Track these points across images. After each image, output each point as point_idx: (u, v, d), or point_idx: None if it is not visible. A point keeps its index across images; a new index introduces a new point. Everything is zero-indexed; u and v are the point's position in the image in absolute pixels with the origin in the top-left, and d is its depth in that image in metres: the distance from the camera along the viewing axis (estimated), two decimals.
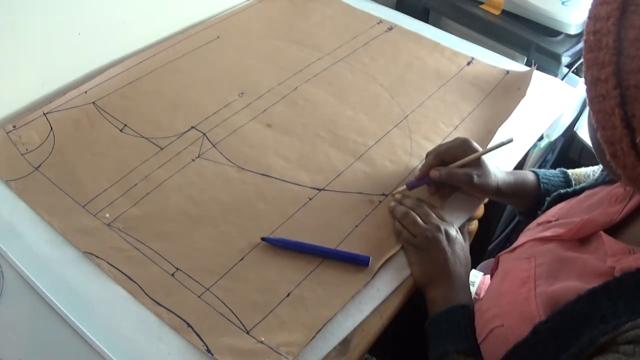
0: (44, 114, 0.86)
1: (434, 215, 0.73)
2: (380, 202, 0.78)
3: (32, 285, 0.65)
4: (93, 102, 0.89)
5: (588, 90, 0.42)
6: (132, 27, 0.98)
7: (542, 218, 0.65)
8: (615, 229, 0.55)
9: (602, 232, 0.54)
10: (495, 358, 0.54)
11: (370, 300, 0.67)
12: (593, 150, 0.50)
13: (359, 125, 0.89)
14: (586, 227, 0.57)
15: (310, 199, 0.78)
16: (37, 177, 0.78)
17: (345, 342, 0.63)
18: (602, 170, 0.68)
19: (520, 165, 0.93)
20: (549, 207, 0.68)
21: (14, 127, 0.83)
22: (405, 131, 0.89)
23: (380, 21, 1.13)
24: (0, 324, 0.62)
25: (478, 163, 0.73)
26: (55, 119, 0.85)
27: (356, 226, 0.74)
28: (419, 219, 0.72)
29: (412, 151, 0.85)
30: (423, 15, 1.27)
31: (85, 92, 0.90)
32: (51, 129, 0.84)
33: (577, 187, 0.67)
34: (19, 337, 0.61)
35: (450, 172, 0.73)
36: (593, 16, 0.42)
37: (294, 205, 0.76)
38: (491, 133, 0.86)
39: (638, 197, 0.55)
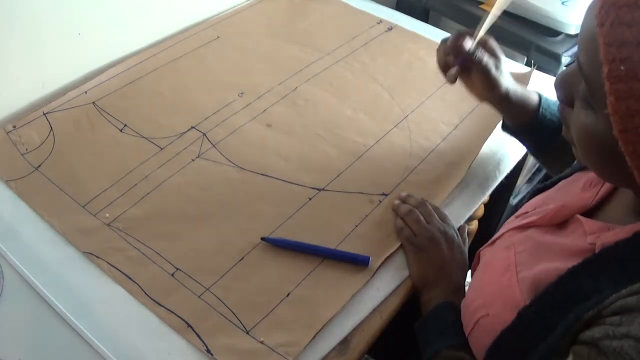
0: (44, 114, 0.86)
1: (436, 215, 0.73)
2: (380, 202, 0.78)
3: (32, 285, 0.65)
4: (93, 102, 0.89)
5: (620, 122, 0.39)
6: (132, 27, 0.98)
7: (520, 211, 0.65)
8: (590, 213, 0.55)
9: (578, 215, 0.55)
10: (483, 348, 0.54)
11: (370, 300, 0.67)
12: (593, 167, 0.49)
13: (359, 125, 0.89)
14: (561, 213, 0.57)
15: (310, 199, 0.78)
16: (37, 177, 0.78)
17: (345, 342, 0.63)
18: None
19: (520, 165, 0.93)
20: (527, 202, 0.68)
21: (14, 127, 0.83)
22: (405, 131, 0.89)
23: (380, 21, 1.13)
24: (0, 324, 0.62)
25: (499, 62, 0.72)
26: (55, 119, 0.85)
27: (356, 226, 0.74)
28: (422, 217, 0.72)
29: (412, 151, 0.85)
30: (423, 15, 1.27)
31: (85, 92, 0.90)
32: (51, 129, 0.84)
33: (554, 178, 0.66)
34: (19, 337, 0.61)
35: (481, 45, 0.70)
36: (615, 41, 0.38)
37: (294, 205, 0.76)
38: (490, 129, 0.87)
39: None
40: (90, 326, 0.62)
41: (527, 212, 0.63)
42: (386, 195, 0.79)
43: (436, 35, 1.09)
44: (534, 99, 0.75)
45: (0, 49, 0.80)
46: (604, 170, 0.48)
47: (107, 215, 0.74)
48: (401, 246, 0.72)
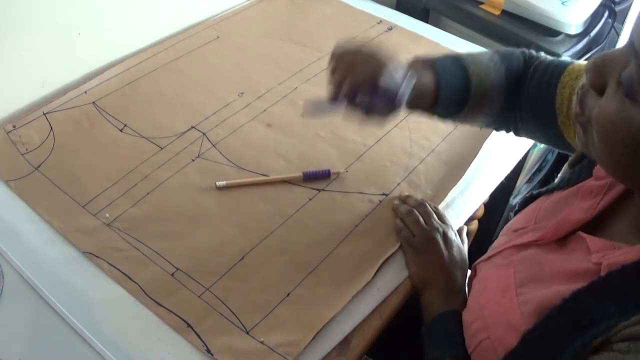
0: (44, 114, 0.86)
1: (435, 216, 0.73)
2: (380, 202, 0.78)
3: (32, 285, 0.65)
4: (93, 102, 0.89)
5: None
6: (132, 27, 0.98)
7: (516, 224, 0.63)
8: (593, 226, 0.54)
9: (581, 233, 0.53)
10: None
11: (370, 300, 0.67)
12: (615, 163, 0.46)
13: (359, 125, 0.89)
14: (562, 226, 0.55)
15: (310, 199, 0.77)
16: (37, 177, 0.78)
17: (345, 342, 0.63)
18: (570, 167, 0.65)
19: (520, 165, 0.93)
20: (519, 210, 0.67)
21: (14, 127, 0.83)
22: (405, 131, 0.89)
23: (380, 21, 1.13)
24: (0, 324, 0.62)
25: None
26: (55, 119, 0.85)
27: (356, 226, 0.74)
28: (421, 218, 0.72)
29: (412, 151, 0.85)
30: (423, 15, 1.27)
31: (85, 92, 0.90)
32: (51, 129, 0.84)
33: (549, 186, 0.64)
34: (19, 337, 0.61)
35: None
36: None
37: (294, 205, 0.76)
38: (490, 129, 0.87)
39: (614, 192, 0.54)
40: (90, 326, 0.62)
41: (525, 228, 0.61)
42: (386, 195, 0.79)
43: (436, 35, 1.09)
44: (428, 80, 0.67)
45: (1, 49, 0.80)
46: (621, 164, 0.45)
47: (107, 215, 0.74)
48: (401, 246, 0.72)
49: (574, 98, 0.60)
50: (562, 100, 0.66)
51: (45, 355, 0.60)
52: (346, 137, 0.87)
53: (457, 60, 0.69)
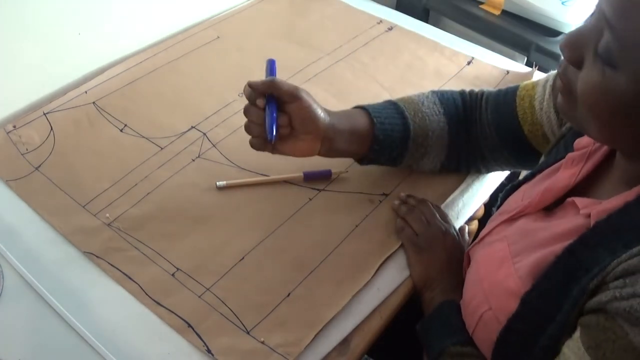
0: (44, 114, 0.86)
1: (437, 215, 0.73)
2: (381, 202, 0.78)
3: (32, 285, 0.65)
4: (93, 102, 0.89)
5: None
6: (132, 27, 0.98)
7: (502, 208, 0.65)
8: (578, 193, 0.55)
9: (568, 198, 0.55)
10: (490, 342, 0.54)
11: (370, 300, 0.67)
12: (600, 126, 0.48)
13: None
14: (548, 193, 0.57)
15: (310, 199, 0.77)
16: (37, 177, 0.78)
17: (345, 342, 0.63)
18: (546, 156, 0.68)
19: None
20: (503, 201, 0.68)
21: (14, 127, 0.83)
22: None
23: (380, 21, 1.13)
24: (0, 324, 0.62)
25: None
26: (55, 119, 0.85)
27: (356, 226, 0.74)
28: (423, 217, 0.72)
29: None
30: (423, 15, 1.27)
31: (85, 92, 0.90)
32: (51, 129, 0.84)
33: (528, 174, 0.66)
34: (19, 337, 0.61)
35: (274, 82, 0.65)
36: None
37: (294, 205, 0.76)
38: None
39: (596, 157, 0.55)
40: (90, 326, 0.62)
41: (512, 208, 0.63)
42: (386, 195, 0.79)
43: (436, 35, 1.09)
44: (362, 118, 0.72)
45: (1, 49, 0.80)
46: (607, 129, 0.47)
47: (108, 215, 0.73)
48: (402, 246, 0.72)
49: (537, 101, 0.69)
50: (524, 110, 0.71)
51: (45, 355, 0.60)
52: None
53: (391, 103, 0.75)
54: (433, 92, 0.77)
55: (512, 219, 0.61)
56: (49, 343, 0.61)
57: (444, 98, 0.76)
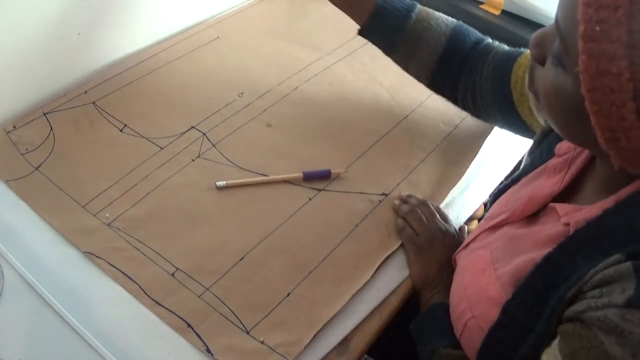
0: (44, 114, 0.86)
1: (438, 215, 0.73)
2: (380, 202, 0.78)
3: (32, 285, 0.65)
4: (93, 102, 0.89)
5: (589, 80, 0.41)
6: (132, 27, 0.98)
7: (489, 213, 0.65)
8: (562, 199, 0.56)
9: (550, 204, 0.55)
10: (474, 349, 0.55)
11: (370, 300, 0.67)
12: (557, 125, 0.49)
13: (359, 125, 0.89)
14: (531, 203, 0.57)
15: (310, 199, 0.78)
16: (37, 177, 0.78)
17: (345, 342, 0.63)
18: (530, 155, 0.68)
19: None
20: (492, 204, 0.68)
21: (14, 126, 0.83)
22: (405, 131, 0.89)
23: None
24: (0, 324, 0.62)
25: None
26: (55, 119, 0.85)
27: (356, 226, 0.74)
28: (424, 217, 0.72)
29: (412, 151, 0.85)
30: None
31: (85, 92, 0.90)
32: (51, 128, 0.84)
33: (514, 175, 0.67)
34: (19, 337, 0.61)
35: None
36: (593, 3, 0.40)
37: (294, 205, 0.76)
38: (490, 129, 0.87)
39: (578, 163, 0.56)
40: (90, 326, 0.62)
41: (497, 214, 0.63)
42: (386, 195, 0.79)
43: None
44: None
45: (1, 49, 0.80)
46: (567, 128, 0.48)
47: (107, 215, 0.74)
48: (402, 246, 0.72)
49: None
50: (517, 79, 0.73)
51: (45, 355, 0.60)
52: (346, 136, 0.87)
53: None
54: (456, 21, 0.82)
55: (496, 226, 0.61)
56: (48, 343, 0.61)
57: (460, 30, 0.81)
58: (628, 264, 0.42)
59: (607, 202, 0.48)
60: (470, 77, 0.79)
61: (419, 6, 0.82)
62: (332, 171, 0.79)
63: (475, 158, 0.84)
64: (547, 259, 0.49)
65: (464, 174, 0.82)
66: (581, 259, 0.47)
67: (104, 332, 0.62)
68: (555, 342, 0.46)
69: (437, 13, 0.82)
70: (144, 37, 1.01)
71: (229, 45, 1.04)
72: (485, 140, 0.87)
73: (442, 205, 0.78)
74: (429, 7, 1.24)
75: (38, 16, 0.83)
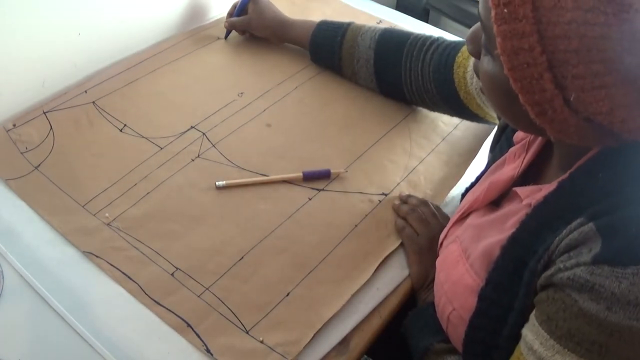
0: (44, 113, 0.86)
1: (438, 215, 0.73)
2: (380, 201, 0.78)
3: (32, 285, 0.65)
4: (93, 102, 0.89)
5: (507, 60, 0.43)
6: (132, 27, 0.98)
7: (457, 211, 0.67)
8: (522, 183, 0.57)
9: (513, 188, 0.56)
10: (460, 341, 0.56)
11: (369, 300, 0.67)
12: (499, 112, 0.52)
13: (359, 125, 0.89)
14: (492, 188, 0.59)
15: (310, 199, 0.78)
16: (36, 177, 0.78)
17: (345, 342, 0.63)
18: (492, 152, 0.70)
19: None
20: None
21: (14, 125, 0.83)
22: (405, 131, 0.89)
23: (380, 21, 1.13)
24: (0, 324, 0.62)
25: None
26: (55, 118, 0.85)
27: (356, 226, 0.74)
28: (424, 217, 0.72)
29: (412, 151, 0.86)
30: (423, 15, 1.27)
31: (85, 92, 0.90)
32: (51, 128, 0.84)
33: (479, 174, 0.68)
34: (19, 337, 0.61)
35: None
36: None
37: (293, 205, 0.76)
38: (490, 129, 0.87)
39: (535, 146, 0.57)
40: (90, 325, 0.62)
41: (462, 207, 0.65)
42: (386, 195, 0.79)
43: (436, 35, 1.09)
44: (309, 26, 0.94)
45: (1, 48, 0.80)
46: (508, 113, 0.50)
47: (107, 215, 0.74)
48: (401, 245, 0.72)
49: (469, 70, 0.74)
50: (459, 79, 0.77)
51: (45, 355, 0.60)
52: (346, 137, 0.87)
53: (348, 24, 0.91)
54: (383, 27, 0.89)
55: (461, 218, 0.63)
56: (48, 342, 0.61)
57: (383, 36, 0.87)
58: (591, 225, 0.44)
59: (563, 176, 0.50)
60: (412, 79, 0.84)
61: (346, 27, 0.91)
62: (332, 171, 0.79)
63: (475, 158, 0.84)
64: (513, 239, 0.51)
65: (464, 174, 0.82)
66: (546, 231, 0.48)
67: (103, 332, 0.62)
68: (532, 313, 0.47)
69: (365, 27, 0.90)
70: (144, 37, 1.01)
71: (229, 45, 1.04)
72: (485, 140, 0.87)
73: (442, 205, 0.78)
74: (430, 7, 1.24)
75: (38, 16, 0.83)
